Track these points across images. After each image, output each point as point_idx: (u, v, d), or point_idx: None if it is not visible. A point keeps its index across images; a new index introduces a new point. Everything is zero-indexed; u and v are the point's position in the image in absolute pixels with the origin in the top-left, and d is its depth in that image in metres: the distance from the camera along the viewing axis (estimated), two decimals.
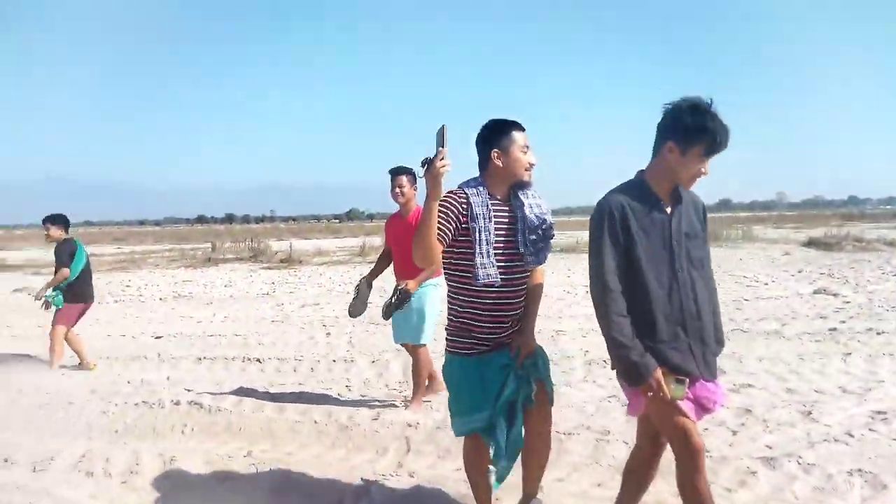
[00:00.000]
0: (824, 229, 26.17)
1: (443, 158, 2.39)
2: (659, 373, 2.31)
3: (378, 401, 5.15)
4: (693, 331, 2.39)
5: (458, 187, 2.69)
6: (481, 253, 2.58)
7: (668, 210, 2.43)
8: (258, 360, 6.89)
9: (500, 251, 2.63)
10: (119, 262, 21.17)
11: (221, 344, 8.04)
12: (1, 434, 4.69)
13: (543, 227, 2.71)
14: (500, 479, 2.69)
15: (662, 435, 2.50)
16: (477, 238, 2.59)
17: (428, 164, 2.41)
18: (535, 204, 2.73)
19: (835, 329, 7.45)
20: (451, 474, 3.52)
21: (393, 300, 4.56)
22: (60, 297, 6.69)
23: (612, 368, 2.48)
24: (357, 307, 4.85)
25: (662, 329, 2.35)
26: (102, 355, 7.37)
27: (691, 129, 2.31)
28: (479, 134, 2.71)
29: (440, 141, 2.41)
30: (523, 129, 2.70)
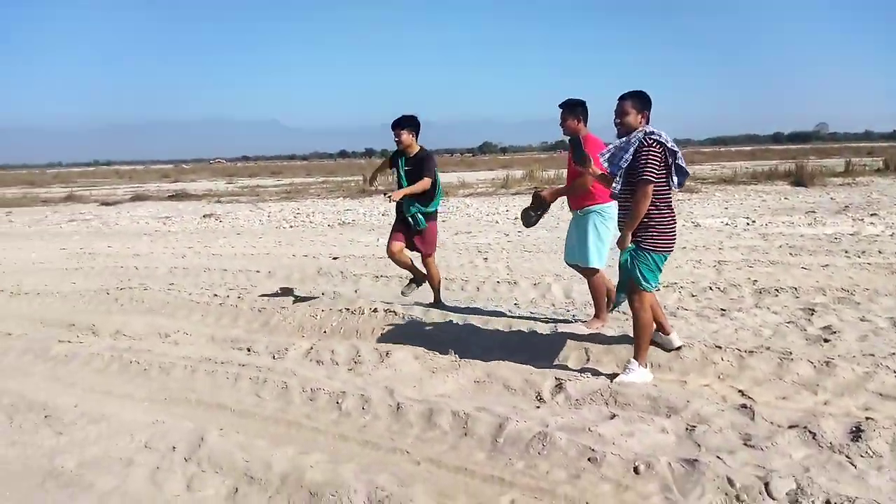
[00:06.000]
0: None
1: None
2: None
3: (549, 317, 5.51)
4: None
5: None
6: None
7: None
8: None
9: None
10: (285, 192, 23.16)
11: (390, 265, 8.73)
12: (235, 331, 5.64)
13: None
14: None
15: None
16: None
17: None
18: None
19: None
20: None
21: (530, 207, 4.89)
22: (422, 217, 5.84)
23: None
24: (528, 217, 4.98)
25: None
26: (294, 272, 8.37)
27: None
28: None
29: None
30: None
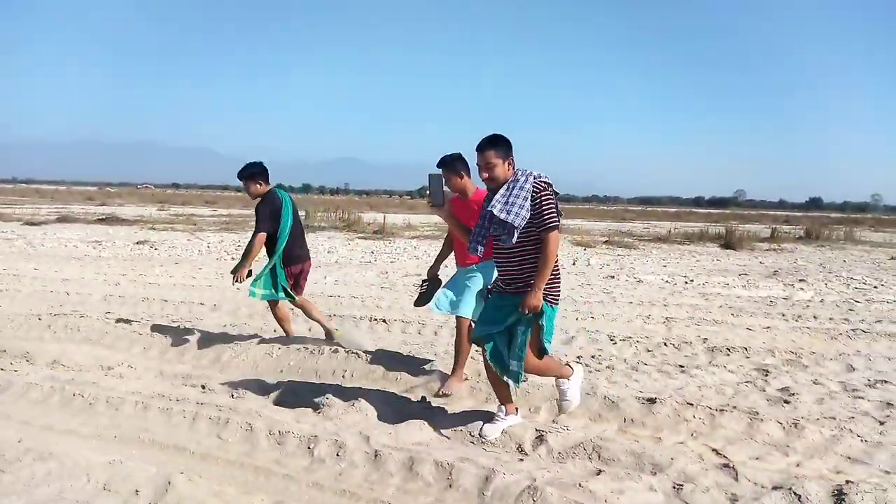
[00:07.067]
0: None
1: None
2: None
3: None
4: None
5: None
6: None
7: None
8: (384, 321, 7.35)
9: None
10: (223, 223, 22.45)
11: (342, 304, 8.57)
12: (182, 366, 5.32)
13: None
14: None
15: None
16: None
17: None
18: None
19: None
20: (611, 435, 3.80)
21: (421, 290, 4.83)
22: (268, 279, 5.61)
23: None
24: (421, 300, 4.87)
25: None
26: (241, 307, 8.03)
27: None
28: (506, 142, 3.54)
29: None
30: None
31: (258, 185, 5.64)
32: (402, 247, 16.65)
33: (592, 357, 5.91)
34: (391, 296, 9.37)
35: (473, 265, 4.58)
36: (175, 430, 3.76)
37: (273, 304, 5.85)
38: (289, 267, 5.68)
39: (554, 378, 3.84)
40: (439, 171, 4.14)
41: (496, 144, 3.49)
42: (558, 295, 3.59)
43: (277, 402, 4.30)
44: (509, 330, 3.53)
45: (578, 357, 5.86)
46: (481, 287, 4.47)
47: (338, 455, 3.40)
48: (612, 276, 12.11)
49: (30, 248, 13.94)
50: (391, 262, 13.61)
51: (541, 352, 3.55)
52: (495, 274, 4.31)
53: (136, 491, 2.83)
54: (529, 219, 3.40)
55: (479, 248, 3.61)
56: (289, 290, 5.65)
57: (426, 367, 5.07)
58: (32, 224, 19.65)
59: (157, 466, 3.10)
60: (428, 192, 3.79)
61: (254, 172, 5.63)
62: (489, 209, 3.48)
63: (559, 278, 3.57)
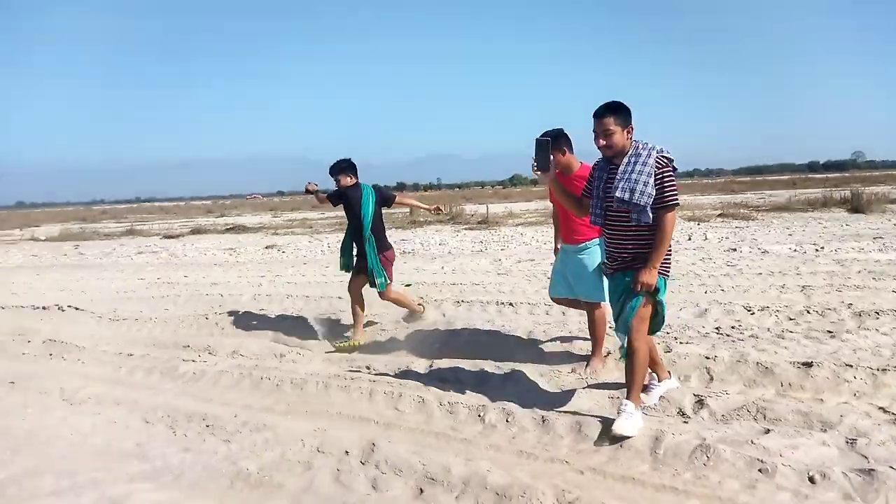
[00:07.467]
0: None
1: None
2: None
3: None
4: None
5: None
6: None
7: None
8: (510, 304, 7.59)
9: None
10: (337, 224, 23.56)
11: (465, 291, 8.90)
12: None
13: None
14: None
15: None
16: None
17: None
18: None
19: None
20: (772, 397, 3.86)
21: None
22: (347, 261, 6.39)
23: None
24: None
25: None
26: (374, 299, 8.54)
27: None
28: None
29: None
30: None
31: (349, 178, 6.16)
32: (508, 234, 16.87)
33: (732, 328, 5.88)
34: (510, 281, 9.61)
35: (583, 243, 4.61)
36: (356, 404, 4.19)
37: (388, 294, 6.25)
38: (384, 253, 6.22)
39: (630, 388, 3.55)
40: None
41: (616, 111, 3.41)
42: (669, 268, 3.57)
43: (438, 378, 4.65)
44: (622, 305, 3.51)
45: (717, 328, 5.86)
46: (597, 265, 4.48)
47: (507, 421, 3.68)
48: (734, 249, 11.77)
49: (174, 258, 15.35)
50: (501, 249, 13.88)
51: (658, 319, 3.60)
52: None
53: (347, 451, 3.24)
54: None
55: (600, 220, 3.58)
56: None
57: (564, 343, 5.28)
58: (170, 237, 21.56)
59: (356, 433, 3.51)
60: (534, 157, 3.64)
61: (343, 167, 6.16)
62: (614, 193, 3.39)
63: (671, 251, 3.55)
